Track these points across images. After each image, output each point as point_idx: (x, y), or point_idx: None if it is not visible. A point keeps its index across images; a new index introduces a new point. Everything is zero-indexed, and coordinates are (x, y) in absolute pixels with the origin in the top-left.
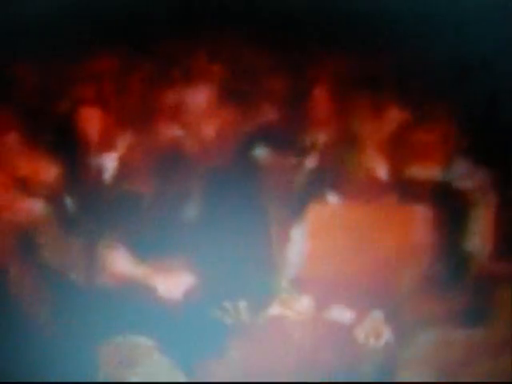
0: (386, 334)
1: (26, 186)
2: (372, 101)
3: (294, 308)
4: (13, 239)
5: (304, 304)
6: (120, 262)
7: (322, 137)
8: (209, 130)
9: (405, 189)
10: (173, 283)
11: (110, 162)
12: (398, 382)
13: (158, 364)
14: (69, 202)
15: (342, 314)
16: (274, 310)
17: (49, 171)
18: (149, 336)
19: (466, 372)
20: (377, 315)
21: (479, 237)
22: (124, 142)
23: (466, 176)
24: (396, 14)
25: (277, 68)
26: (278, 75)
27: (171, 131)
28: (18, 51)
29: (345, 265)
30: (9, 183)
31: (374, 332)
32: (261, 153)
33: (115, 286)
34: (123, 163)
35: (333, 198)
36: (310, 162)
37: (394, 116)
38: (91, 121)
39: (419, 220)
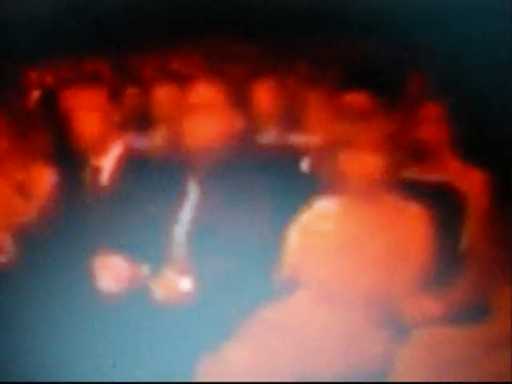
0: (382, 334)
1: (22, 191)
2: (367, 102)
3: (290, 309)
4: (11, 242)
5: (300, 305)
6: (117, 267)
7: (316, 138)
8: (205, 131)
9: (401, 190)
10: (170, 286)
11: (106, 166)
12: (398, 382)
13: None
14: (65, 205)
15: (338, 313)
16: (270, 311)
17: (45, 176)
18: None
19: (465, 371)
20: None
21: (476, 236)
22: (120, 144)
23: (462, 177)
24: (392, 13)
25: (268, 69)
26: (271, 76)
27: (168, 133)
28: (13, 54)
29: (341, 265)
30: (5, 187)
31: (368, 331)
32: (256, 154)
33: (113, 290)
34: (120, 166)
35: (328, 200)
36: (305, 164)
37: (390, 117)
38: (87, 124)
39: (416, 220)
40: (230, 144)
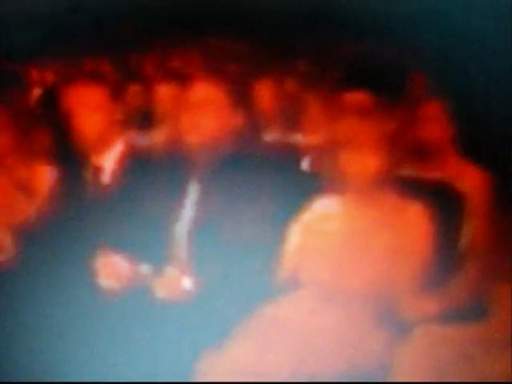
0: (383, 333)
1: (23, 189)
2: (368, 101)
3: (291, 308)
4: (11, 241)
5: (300, 304)
6: (118, 265)
7: (316, 137)
8: (205, 130)
9: (401, 188)
10: (171, 285)
11: (107, 164)
12: (399, 381)
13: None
14: (66, 203)
15: (338, 312)
16: (271, 310)
17: (46, 174)
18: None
19: (464, 370)
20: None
21: (476, 235)
22: (122, 143)
23: (462, 175)
24: (392, 12)
25: (269, 68)
26: (271, 75)
27: (169, 131)
28: (14, 52)
29: (341, 264)
30: (6, 186)
31: (369, 330)
32: (257, 153)
33: (114, 289)
34: (121, 164)
35: (329, 199)
36: (306, 163)
37: (391, 116)
38: (89, 122)
39: (416, 219)
40: (230, 143)
